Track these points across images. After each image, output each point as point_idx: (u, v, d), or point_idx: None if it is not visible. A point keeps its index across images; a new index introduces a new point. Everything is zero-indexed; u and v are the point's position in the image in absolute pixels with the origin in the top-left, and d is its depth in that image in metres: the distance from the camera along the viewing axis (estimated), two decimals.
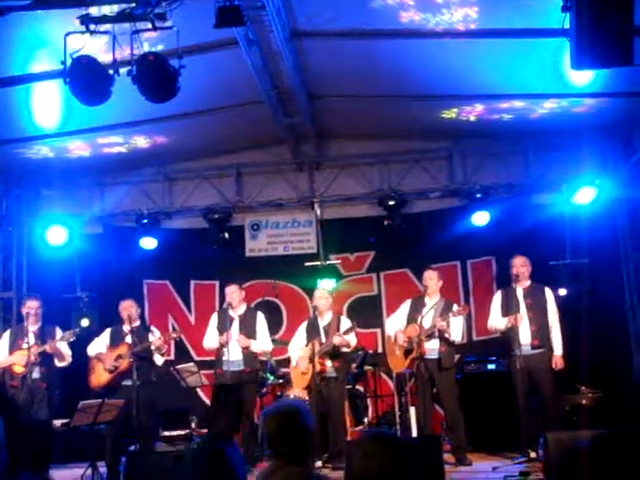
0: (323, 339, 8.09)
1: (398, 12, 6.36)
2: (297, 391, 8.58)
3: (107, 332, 8.49)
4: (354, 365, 9.02)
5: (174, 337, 8.80)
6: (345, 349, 8.19)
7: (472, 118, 8.90)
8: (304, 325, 8.49)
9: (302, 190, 10.45)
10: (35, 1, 5.18)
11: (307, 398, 8.27)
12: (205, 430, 8.67)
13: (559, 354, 7.58)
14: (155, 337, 8.25)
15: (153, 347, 8.15)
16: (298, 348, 8.33)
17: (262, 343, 8.39)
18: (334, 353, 8.07)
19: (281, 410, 3.39)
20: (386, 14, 6.39)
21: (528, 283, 7.87)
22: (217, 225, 10.28)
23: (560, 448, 6.01)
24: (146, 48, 5.95)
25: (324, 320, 8.27)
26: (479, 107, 8.56)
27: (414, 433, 8.18)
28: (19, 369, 7.78)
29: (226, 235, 10.33)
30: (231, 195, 10.46)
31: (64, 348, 8.10)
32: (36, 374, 7.74)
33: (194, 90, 6.83)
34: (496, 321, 7.94)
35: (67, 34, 5.50)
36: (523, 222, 9.29)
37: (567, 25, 4.85)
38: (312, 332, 8.21)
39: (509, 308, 7.69)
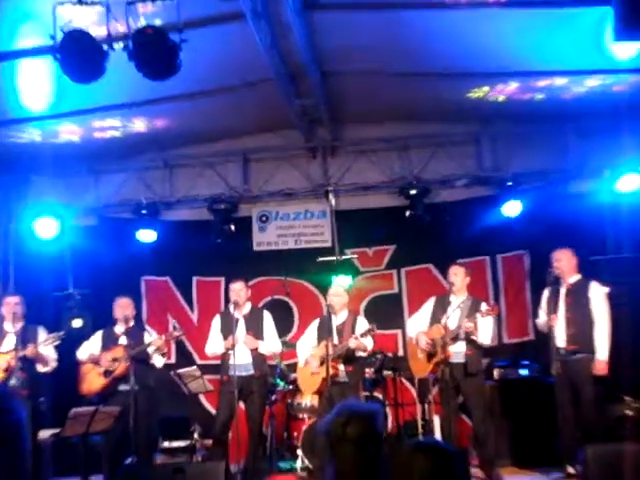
0: (336, 340, 8.05)
1: None
2: (308, 398, 8.57)
3: (98, 334, 8.51)
4: (371, 370, 8.98)
5: (176, 336, 8.79)
6: (361, 353, 8.15)
7: (502, 98, 8.83)
8: (315, 323, 8.51)
9: (315, 178, 10.44)
10: None
11: (317, 404, 8.28)
12: (209, 441, 8.64)
13: (602, 358, 7.52)
14: (152, 338, 8.25)
15: (153, 347, 8.19)
16: (308, 347, 8.32)
17: (271, 343, 8.43)
18: (348, 357, 8.04)
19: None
20: None
21: (574, 279, 7.85)
22: (222, 216, 10.28)
23: (601, 464, 5.93)
24: (143, 22, 5.89)
25: (338, 319, 8.24)
26: (511, 86, 8.47)
27: None
28: None
29: (232, 227, 10.33)
30: (237, 184, 10.46)
31: (48, 352, 8.08)
32: (15, 380, 7.67)
33: (197, 68, 6.81)
34: (540, 320, 8.06)
35: (56, 5, 5.46)
36: (559, 213, 9.23)
37: None
38: (324, 331, 8.17)
39: (550, 307, 7.66)
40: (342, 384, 7.98)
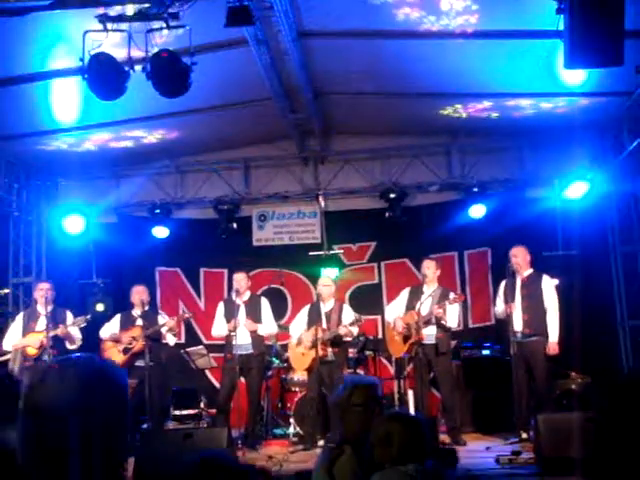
0: (324, 324, 8.15)
1: (401, 14, 6.36)
2: (299, 373, 8.66)
3: (117, 317, 8.58)
4: (355, 350, 9.07)
5: (186, 317, 8.95)
6: (347, 338, 8.28)
7: (466, 115, 8.86)
8: (306, 308, 8.59)
9: (307, 183, 10.44)
10: (55, 1, 5.18)
11: (307, 379, 8.38)
12: (213, 410, 8.73)
13: (554, 340, 7.65)
14: (165, 320, 8.35)
15: (166, 328, 8.28)
16: (300, 329, 8.41)
17: (268, 326, 8.51)
18: (336, 340, 8.15)
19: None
20: (389, 16, 6.39)
21: (528, 273, 7.94)
22: (226, 216, 10.28)
23: (550, 429, 6.08)
24: (160, 47, 5.95)
25: (326, 306, 8.37)
26: (477, 105, 8.51)
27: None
28: (32, 351, 7.82)
29: (234, 225, 10.33)
30: (239, 187, 10.45)
31: (75, 332, 8.15)
32: (47, 357, 7.70)
33: (205, 87, 6.83)
34: (498, 308, 8.10)
35: (85, 32, 5.53)
36: (517, 215, 9.25)
37: (561, 27, 4.87)
38: (314, 316, 8.29)
39: (507, 297, 7.76)
40: (329, 363, 8.09)
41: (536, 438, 6.37)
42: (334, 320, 8.21)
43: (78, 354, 1.67)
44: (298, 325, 8.50)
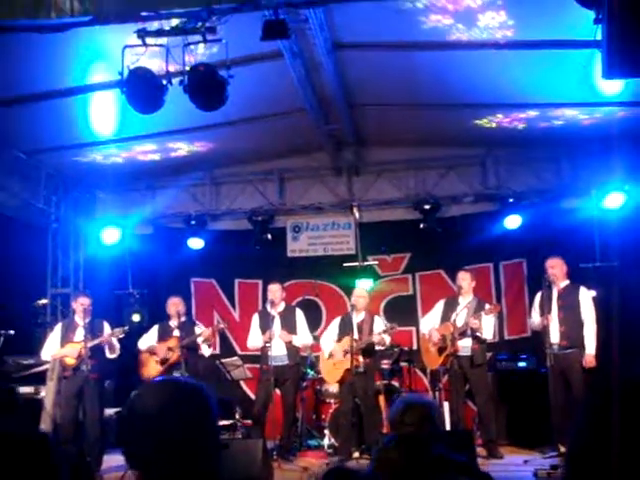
0: (356, 335, 8.14)
1: (435, 26, 6.36)
2: (334, 385, 8.66)
3: (155, 328, 8.67)
4: (389, 361, 9.05)
5: (221, 328, 8.99)
6: (380, 347, 8.26)
7: (499, 126, 8.80)
8: (337, 320, 8.61)
9: (341, 194, 10.43)
10: (94, 18, 5.28)
11: (338, 391, 8.38)
12: (248, 421, 8.75)
13: (590, 352, 7.56)
14: (201, 330, 8.41)
15: (202, 338, 8.34)
16: (330, 341, 8.41)
17: (303, 337, 8.54)
18: (368, 350, 8.13)
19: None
20: (422, 27, 6.39)
21: (564, 284, 7.87)
22: (260, 227, 10.32)
23: None
24: (197, 60, 6.03)
25: (358, 317, 8.34)
26: (518, 114, 8.45)
27: (447, 427, 8.15)
28: (71, 361, 7.90)
29: (269, 236, 10.37)
30: (274, 198, 10.47)
31: (114, 342, 8.24)
32: (85, 367, 7.75)
33: (241, 99, 6.88)
34: (534, 320, 8.02)
35: (125, 47, 5.62)
36: (554, 226, 9.21)
37: (599, 37, 4.84)
38: (345, 327, 8.28)
39: (543, 309, 7.69)
40: (362, 374, 8.07)
41: None
42: (365, 331, 8.21)
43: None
44: (328, 337, 8.51)
